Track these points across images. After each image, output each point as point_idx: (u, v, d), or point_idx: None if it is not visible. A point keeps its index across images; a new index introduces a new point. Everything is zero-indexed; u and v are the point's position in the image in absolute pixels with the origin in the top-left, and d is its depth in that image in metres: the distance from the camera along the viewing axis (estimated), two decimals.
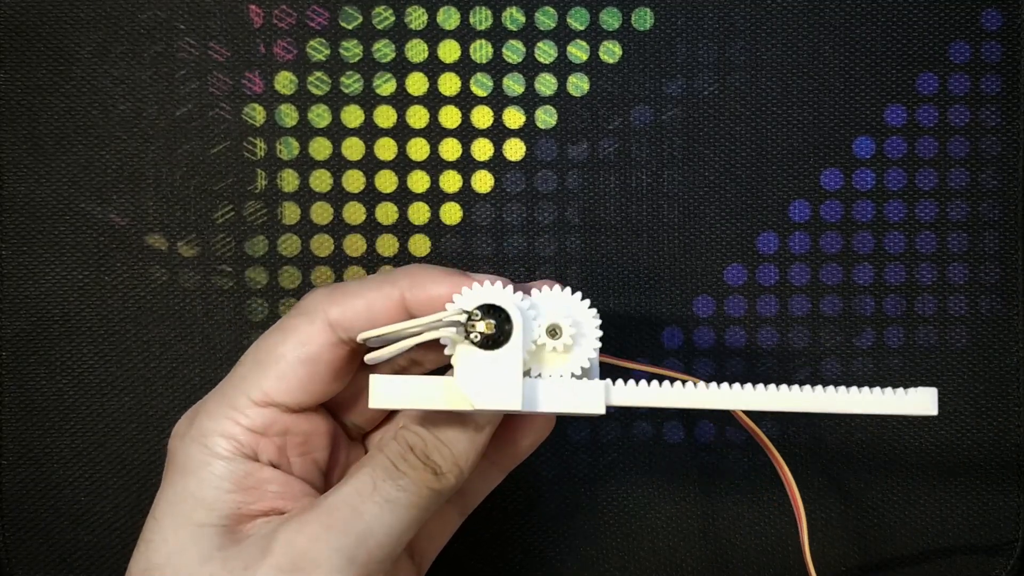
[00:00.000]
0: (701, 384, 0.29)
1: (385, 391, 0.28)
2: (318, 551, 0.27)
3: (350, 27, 0.37)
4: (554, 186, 0.38)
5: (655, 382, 0.29)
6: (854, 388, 0.29)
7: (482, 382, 0.27)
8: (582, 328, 0.28)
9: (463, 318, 0.27)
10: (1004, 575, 0.39)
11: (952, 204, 0.38)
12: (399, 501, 0.27)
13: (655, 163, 0.38)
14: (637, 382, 0.29)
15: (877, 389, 0.29)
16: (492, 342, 0.27)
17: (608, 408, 0.28)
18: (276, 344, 0.29)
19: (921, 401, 0.28)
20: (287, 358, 0.29)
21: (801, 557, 0.32)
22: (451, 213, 0.38)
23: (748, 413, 0.32)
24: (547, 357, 0.28)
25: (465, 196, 0.38)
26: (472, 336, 0.27)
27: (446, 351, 0.28)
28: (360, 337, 0.28)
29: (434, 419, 0.29)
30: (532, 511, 0.39)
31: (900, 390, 0.29)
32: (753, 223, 0.38)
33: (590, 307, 0.29)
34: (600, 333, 0.29)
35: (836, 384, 0.29)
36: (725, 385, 0.29)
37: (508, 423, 0.32)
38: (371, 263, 0.38)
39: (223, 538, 0.27)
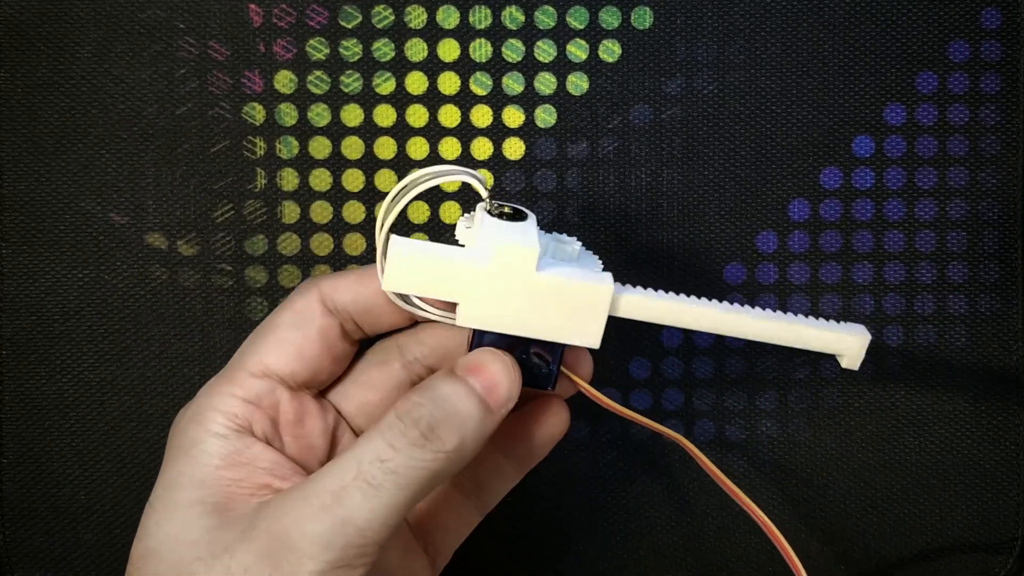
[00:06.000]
0: (704, 301, 0.30)
1: (406, 244, 0.28)
2: (292, 536, 0.26)
3: (350, 26, 0.37)
4: (553, 185, 0.38)
5: (661, 291, 0.30)
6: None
7: (503, 232, 0.28)
8: (588, 253, 0.31)
9: (490, 184, 0.30)
10: (1003, 573, 0.39)
11: (951, 203, 0.38)
12: (384, 484, 0.26)
13: (654, 162, 0.38)
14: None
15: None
16: (511, 218, 0.29)
17: (613, 314, 0.29)
18: (273, 317, 0.31)
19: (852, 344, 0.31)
20: (282, 325, 0.30)
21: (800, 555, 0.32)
22: (450, 212, 0.38)
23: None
24: (560, 261, 0.30)
25: (465, 195, 0.38)
26: (493, 212, 0.29)
27: (459, 236, 0.29)
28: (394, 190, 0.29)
29: (446, 392, 0.28)
30: (531, 510, 0.39)
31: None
32: (752, 222, 0.38)
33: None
34: (601, 263, 0.30)
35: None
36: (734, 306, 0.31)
37: (522, 416, 0.32)
38: (370, 261, 0.38)
39: (212, 518, 0.27)
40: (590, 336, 0.29)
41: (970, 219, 0.38)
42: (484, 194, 0.29)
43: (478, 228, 0.29)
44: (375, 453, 0.27)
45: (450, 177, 0.28)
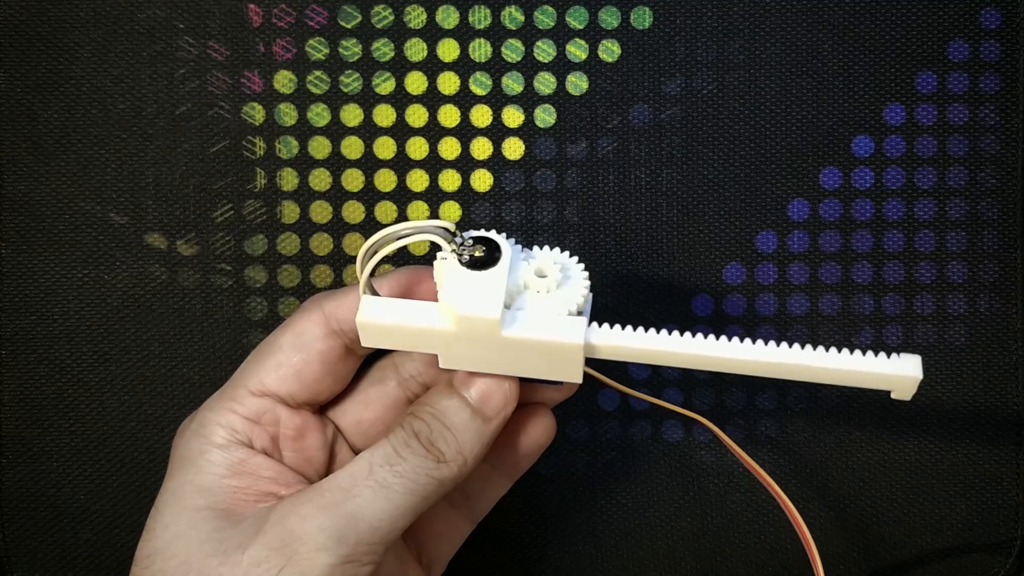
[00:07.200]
0: (687, 335, 0.28)
1: (374, 309, 0.28)
2: (306, 529, 0.27)
3: (349, 26, 0.37)
4: (553, 185, 0.38)
5: (640, 329, 0.28)
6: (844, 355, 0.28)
7: (466, 293, 0.28)
8: (570, 276, 0.29)
9: (452, 226, 0.28)
10: (1003, 573, 0.39)
11: (951, 203, 0.38)
12: (394, 486, 0.28)
13: (654, 162, 0.38)
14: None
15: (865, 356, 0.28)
16: (481, 264, 0.28)
17: (588, 360, 0.28)
18: (275, 337, 0.31)
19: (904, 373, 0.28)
20: (283, 347, 0.30)
21: (802, 555, 0.32)
22: (450, 212, 0.38)
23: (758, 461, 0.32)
24: (535, 300, 0.29)
25: (464, 195, 0.38)
26: (463, 258, 0.28)
27: (436, 272, 0.29)
28: (363, 248, 0.29)
29: (443, 407, 0.29)
30: (531, 510, 0.39)
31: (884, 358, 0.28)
32: (752, 222, 0.38)
33: (580, 264, 0.29)
34: (588, 283, 0.29)
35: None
36: (720, 340, 0.28)
37: (507, 425, 0.32)
38: None
39: (220, 521, 0.28)
40: (571, 375, 0.29)
41: (970, 219, 0.38)
42: (447, 248, 0.28)
43: (445, 276, 0.28)
44: (385, 457, 0.28)
45: (415, 237, 0.28)
